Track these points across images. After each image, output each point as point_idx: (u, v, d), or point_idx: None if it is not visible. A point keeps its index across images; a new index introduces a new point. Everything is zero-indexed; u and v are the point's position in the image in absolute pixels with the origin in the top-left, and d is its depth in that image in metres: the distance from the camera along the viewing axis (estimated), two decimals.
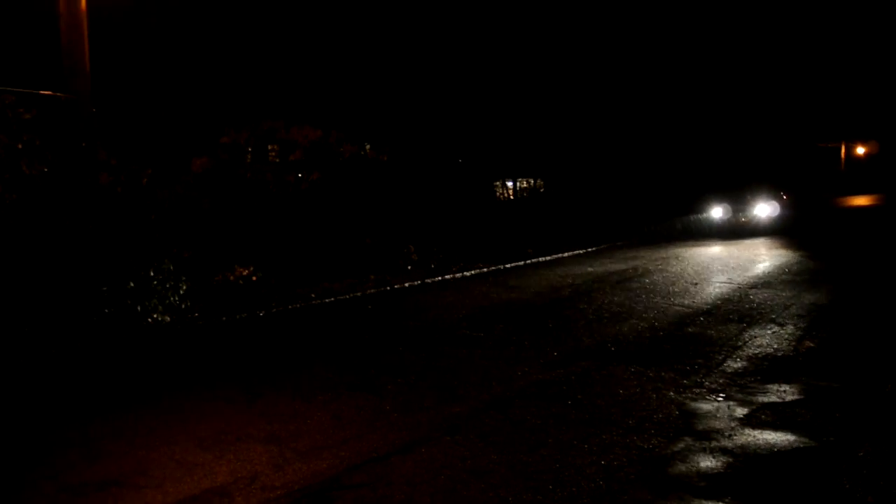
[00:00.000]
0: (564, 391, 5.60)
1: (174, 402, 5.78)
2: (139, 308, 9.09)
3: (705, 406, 5.12)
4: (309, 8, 20.20)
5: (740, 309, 8.62)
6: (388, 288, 11.89)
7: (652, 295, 9.85)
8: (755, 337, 7.18)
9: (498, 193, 23.64)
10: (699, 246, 16.67)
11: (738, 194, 20.65)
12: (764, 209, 20.07)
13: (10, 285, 8.31)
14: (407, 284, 12.26)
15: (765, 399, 5.23)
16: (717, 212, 20.60)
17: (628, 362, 6.43)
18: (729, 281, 10.78)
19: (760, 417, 4.85)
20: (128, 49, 17.18)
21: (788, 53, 29.83)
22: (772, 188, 20.80)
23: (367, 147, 15.42)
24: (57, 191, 9.32)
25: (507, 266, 14.69)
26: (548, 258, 15.96)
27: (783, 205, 20.59)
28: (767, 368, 6.05)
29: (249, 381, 6.31)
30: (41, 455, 4.68)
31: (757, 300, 9.13)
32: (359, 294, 11.30)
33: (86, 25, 9.88)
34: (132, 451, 4.65)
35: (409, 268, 13.72)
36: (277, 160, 14.80)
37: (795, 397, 5.25)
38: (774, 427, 4.66)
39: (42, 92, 9.65)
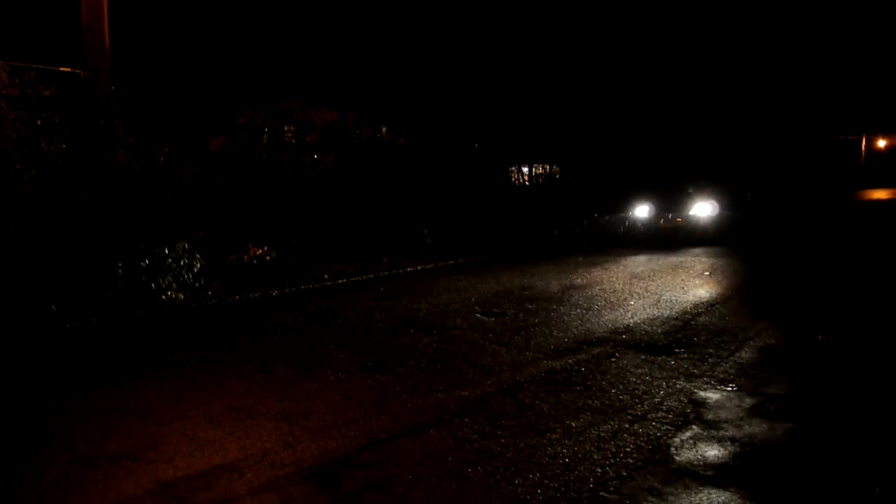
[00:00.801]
0: (574, 378, 5.61)
1: (186, 379, 5.85)
2: (153, 285, 9.17)
3: (715, 395, 5.11)
4: None
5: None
6: (401, 271, 11.93)
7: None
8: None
9: (513, 179, 23.56)
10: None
11: (671, 190, 16.47)
12: (703, 209, 15.60)
13: (26, 260, 8.40)
14: (420, 268, 12.29)
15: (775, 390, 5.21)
16: (641, 211, 16.40)
17: (639, 350, 6.42)
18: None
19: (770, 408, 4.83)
20: (147, 28, 17.21)
21: (809, 46, 29.21)
22: (719, 183, 16.45)
23: (384, 130, 15.39)
24: (75, 168, 9.39)
25: (522, 251, 14.69)
26: (563, 244, 15.93)
27: (731, 204, 16.07)
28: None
29: (261, 360, 6.36)
30: (55, 427, 4.74)
31: None
32: (372, 276, 11.35)
33: (106, 2, 9.93)
34: (144, 426, 4.71)
35: (423, 251, 13.75)
36: (293, 141, 14.79)
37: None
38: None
39: (62, 69, 9.72)
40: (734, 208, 16.08)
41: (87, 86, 9.84)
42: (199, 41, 18.03)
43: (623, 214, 17.57)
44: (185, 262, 9.56)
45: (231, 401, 5.20)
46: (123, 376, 5.97)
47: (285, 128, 15.16)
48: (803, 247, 14.50)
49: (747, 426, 4.48)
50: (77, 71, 9.78)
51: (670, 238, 15.58)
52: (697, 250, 14.18)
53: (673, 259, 12.96)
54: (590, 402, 5.00)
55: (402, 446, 4.27)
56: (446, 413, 4.83)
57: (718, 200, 15.69)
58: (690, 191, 16.20)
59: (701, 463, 3.95)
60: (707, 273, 11.08)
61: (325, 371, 5.94)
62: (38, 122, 9.21)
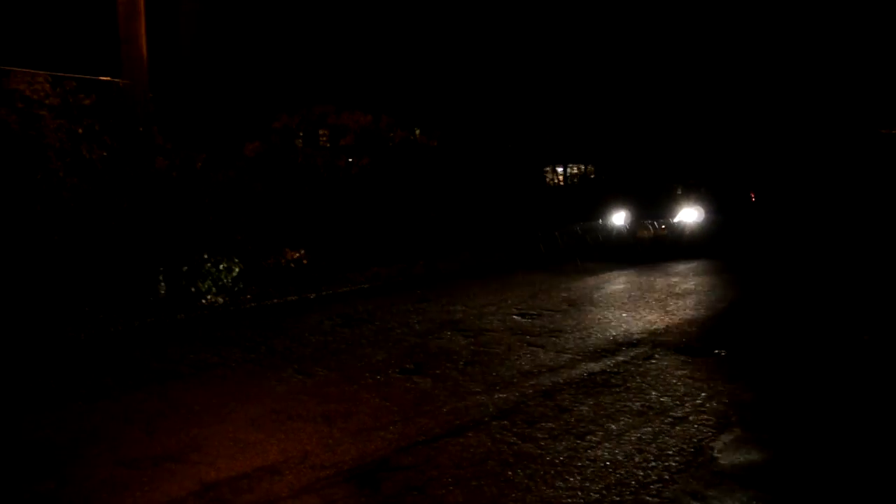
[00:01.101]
0: (613, 379, 5.56)
1: (227, 381, 5.92)
2: (193, 289, 9.30)
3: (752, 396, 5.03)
4: None
5: None
6: (438, 272, 11.93)
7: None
8: None
9: (548, 179, 23.47)
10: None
11: (654, 192, 14.61)
12: (690, 214, 13.44)
13: (70, 266, 8.58)
14: (455, 269, 12.29)
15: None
16: (617, 217, 14.18)
17: (679, 351, 6.34)
18: None
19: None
20: (182, 35, 17.48)
21: (846, 32, 27.88)
22: (713, 182, 14.65)
23: (417, 132, 15.43)
24: (115, 175, 9.57)
25: (553, 254, 14.61)
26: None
27: (728, 207, 14.11)
28: None
29: (300, 363, 6.41)
30: (102, 428, 4.83)
31: None
32: (408, 278, 11.37)
33: (143, 13, 10.08)
34: (187, 428, 4.77)
35: (458, 253, 13.75)
36: (328, 145, 14.90)
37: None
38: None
39: (101, 78, 9.89)
40: (732, 212, 14.05)
41: (125, 94, 10.00)
42: (233, 47, 18.26)
43: (598, 222, 15.67)
44: (223, 267, 9.68)
45: (271, 403, 5.25)
46: (166, 379, 6.06)
47: (319, 132, 15.28)
48: (821, 257, 12.84)
49: (790, 429, 4.40)
50: (116, 80, 9.95)
51: (647, 250, 13.46)
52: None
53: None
54: (629, 404, 4.95)
55: (441, 449, 4.26)
56: (485, 415, 4.82)
57: (712, 203, 13.65)
58: (679, 192, 14.23)
59: (745, 466, 3.89)
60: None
61: (363, 373, 5.97)
62: (80, 131, 9.40)
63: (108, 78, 9.81)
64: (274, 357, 6.70)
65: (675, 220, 13.51)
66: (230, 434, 4.64)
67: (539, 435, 4.42)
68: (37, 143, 9.01)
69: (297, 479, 3.93)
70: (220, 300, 9.47)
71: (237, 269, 9.86)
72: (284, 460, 4.19)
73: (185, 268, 9.27)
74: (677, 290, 9.60)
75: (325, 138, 15.29)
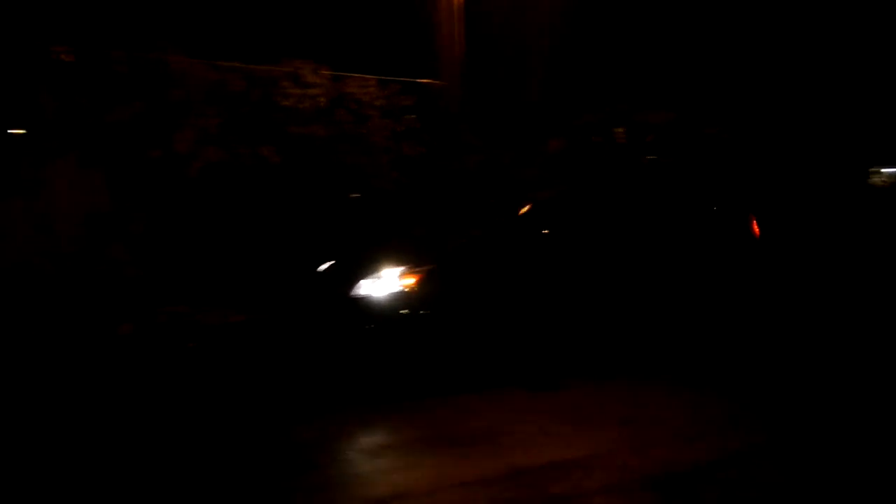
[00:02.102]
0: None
1: (529, 378, 6.11)
2: None
3: None
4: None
5: None
6: None
7: None
8: None
9: (873, 181, 20.86)
10: None
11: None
12: (386, 284, 5.84)
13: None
14: None
15: None
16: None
17: None
18: None
19: None
20: (484, 33, 18.19)
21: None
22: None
23: (716, 130, 14.62)
24: (430, 170, 10.32)
25: None
26: None
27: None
28: None
29: (604, 366, 6.46)
30: (416, 409, 5.34)
31: None
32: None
33: (461, 19, 10.68)
34: (498, 414, 5.07)
35: None
36: (623, 141, 14.66)
37: None
38: None
39: (420, 80, 10.68)
40: (390, 285, 5.92)
41: (440, 95, 10.71)
42: (532, 46, 18.65)
43: None
44: None
45: (573, 399, 5.40)
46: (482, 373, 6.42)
47: (615, 130, 15.11)
48: None
49: None
50: (434, 82, 10.68)
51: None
52: None
53: None
54: None
55: (759, 468, 4.02)
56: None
57: (392, 269, 5.99)
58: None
59: None
60: None
61: (671, 382, 5.85)
62: (400, 129, 10.24)
63: (428, 80, 10.58)
64: (572, 357, 6.73)
65: (357, 290, 6.02)
66: (539, 425, 4.80)
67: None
68: (365, 140, 10.02)
69: (606, 475, 3.94)
70: None
71: None
72: (591, 456, 4.22)
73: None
74: None
75: (622, 136, 15.08)
